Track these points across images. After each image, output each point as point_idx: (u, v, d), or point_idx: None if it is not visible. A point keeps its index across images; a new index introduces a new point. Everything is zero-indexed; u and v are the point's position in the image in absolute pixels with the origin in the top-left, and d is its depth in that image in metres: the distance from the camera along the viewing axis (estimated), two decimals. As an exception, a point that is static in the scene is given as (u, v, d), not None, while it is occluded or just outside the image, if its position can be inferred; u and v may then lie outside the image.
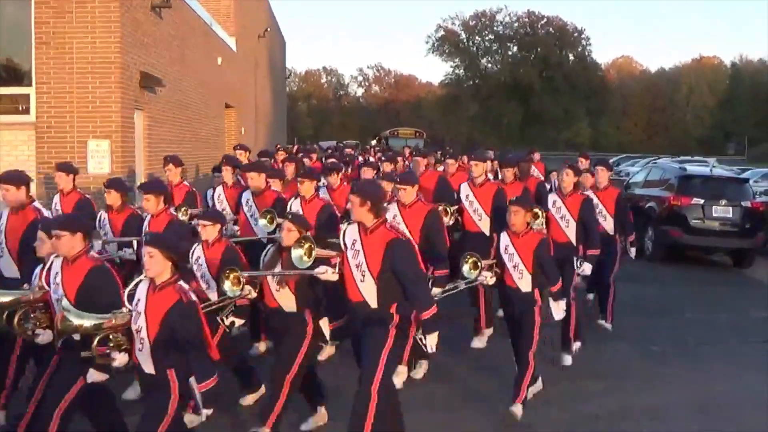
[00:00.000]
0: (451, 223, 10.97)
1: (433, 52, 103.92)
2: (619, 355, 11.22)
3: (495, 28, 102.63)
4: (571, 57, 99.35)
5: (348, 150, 15.69)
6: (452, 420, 8.46)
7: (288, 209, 9.98)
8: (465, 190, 11.21)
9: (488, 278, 8.52)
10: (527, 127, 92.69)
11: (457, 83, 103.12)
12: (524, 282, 8.65)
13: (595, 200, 11.45)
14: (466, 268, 8.29)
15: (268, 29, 43.02)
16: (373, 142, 40.52)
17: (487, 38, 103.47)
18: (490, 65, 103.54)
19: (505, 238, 8.80)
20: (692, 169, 21.17)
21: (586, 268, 10.65)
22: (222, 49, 27.73)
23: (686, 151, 67.85)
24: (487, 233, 10.78)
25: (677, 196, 18.68)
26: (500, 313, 10.75)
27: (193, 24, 22.70)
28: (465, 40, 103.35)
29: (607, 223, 11.85)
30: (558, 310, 8.90)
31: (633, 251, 12.70)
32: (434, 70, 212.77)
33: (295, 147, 25.23)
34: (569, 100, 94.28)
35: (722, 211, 18.43)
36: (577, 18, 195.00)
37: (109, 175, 13.73)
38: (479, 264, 8.33)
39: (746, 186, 19.56)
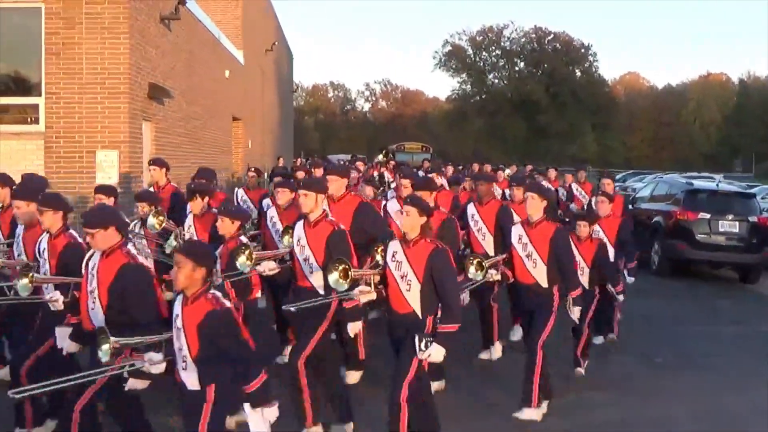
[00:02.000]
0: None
1: (440, 68, 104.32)
2: (624, 367, 11.22)
3: (502, 44, 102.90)
4: (578, 73, 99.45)
5: (359, 164, 15.69)
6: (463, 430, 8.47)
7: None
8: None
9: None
10: (533, 142, 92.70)
11: (463, 98, 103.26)
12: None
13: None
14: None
15: (276, 43, 43.20)
16: (380, 157, 40.36)
17: (494, 54, 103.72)
18: (496, 81, 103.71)
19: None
20: (699, 183, 21.17)
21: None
22: (230, 62, 27.86)
23: (693, 167, 67.84)
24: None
25: (684, 211, 18.70)
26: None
27: (202, 36, 22.82)
28: (472, 56, 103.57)
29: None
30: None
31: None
32: (441, 85, 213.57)
33: (299, 160, 25.29)
34: (575, 115, 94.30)
35: (729, 225, 18.46)
36: (584, 34, 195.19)
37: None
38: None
39: (753, 201, 19.58)
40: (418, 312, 6.98)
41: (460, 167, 24.18)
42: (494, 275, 8.63)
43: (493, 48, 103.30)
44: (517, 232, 8.79)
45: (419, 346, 6.72)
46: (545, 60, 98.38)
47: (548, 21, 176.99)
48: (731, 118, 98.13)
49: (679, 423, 9.14)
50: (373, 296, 7.21)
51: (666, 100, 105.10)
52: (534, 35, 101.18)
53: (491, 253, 10.46)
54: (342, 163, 26.05)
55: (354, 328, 7.64)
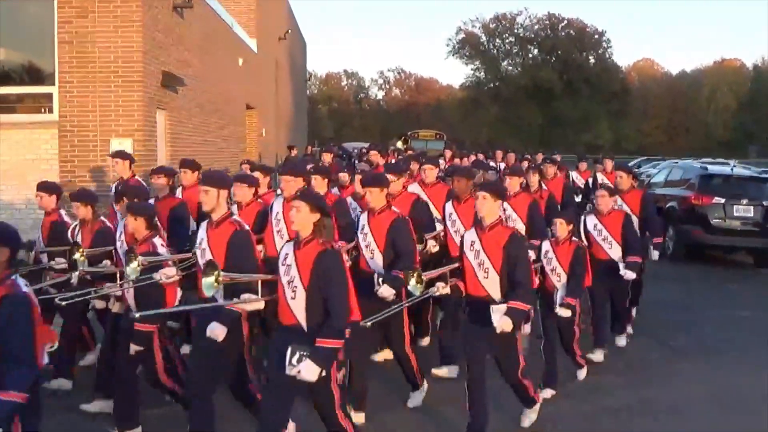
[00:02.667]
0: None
1: (453, 55, 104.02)
2: (639, 350, 11.24)
3: (515, 31, 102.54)
4: (592, 59, 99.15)
5: (372, 155, 15.30)
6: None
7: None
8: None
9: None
10: (547, 130, 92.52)
11: (477, 86, 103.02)
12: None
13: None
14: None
15: (289, 31, 43.20)
16: (399, 144, 39.88)
17: (507, 41, 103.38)
18: (510, 68, 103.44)
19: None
20: (713, 168, 21.10)
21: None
22: (243, 50, 27.88)
23: (708, 154, 67.52)
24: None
25: (698, 196, 18.65)
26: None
27: (215, 25, 22.83)
28: (485, 43, 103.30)
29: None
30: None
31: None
32: (455, 73, 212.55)
33: (309, 148, 25.14)
34: (590, 102, 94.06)
35: (743, 210, 18.39)
36: (597, 20, 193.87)
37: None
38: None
39: (767, 185, 19.47)
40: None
41: (526, 156, 22.56)
42: (441, 288, 7.44)
43: (507, 35, 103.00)
44: (469, 237, 7.62)
45: (289, 360, 6.05)
46: (559, 47, 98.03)
47: (561, 7, 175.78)
48: (746, 104, 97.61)
49: (694, 406, 9.15)
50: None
51: (680, 87, 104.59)
52: (547, 22, 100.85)
53: None
54: (360, 151, 25.87)
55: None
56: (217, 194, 6.85)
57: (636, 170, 19.36)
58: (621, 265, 10.50)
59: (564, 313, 8.99)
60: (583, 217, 10.95)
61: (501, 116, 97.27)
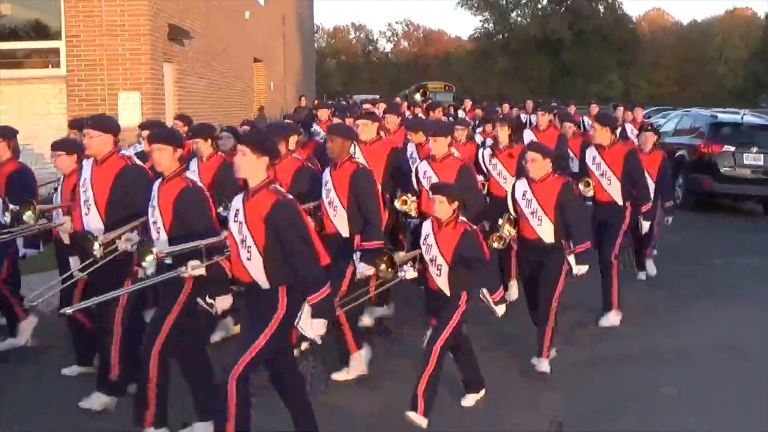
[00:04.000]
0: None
1: (462, 6, 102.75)
2: (647, 297, 11.30)
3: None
4: (602, 9, 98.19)
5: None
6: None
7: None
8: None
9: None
10: (557, 81, 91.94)
11: (486, 37, 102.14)
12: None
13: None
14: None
15: (296, -16, 42.92)
16: (417, 96, 38.80)
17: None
18: (519, 19, 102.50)
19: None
20: (723, 116, 20.97)
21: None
22: (249, 3, 27.73)
23: (719, 104, 67.10)
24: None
25: (708, 144, 18.58)
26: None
27: (221, -23, 22.71)
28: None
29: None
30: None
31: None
32: (463, 25, 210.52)
33: (315, 101, 24.82)
34: (600, 53, 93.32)
35: (753, 158, 18.32)
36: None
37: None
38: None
39: (778, 133, 19.37)
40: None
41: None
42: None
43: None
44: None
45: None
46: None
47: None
48: (757, 54, 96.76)
49: (702, 353, 9.19)
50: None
51: (691, 37, 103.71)
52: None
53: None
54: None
55: None
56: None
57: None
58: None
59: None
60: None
61: (510, 67, 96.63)
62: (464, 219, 7.14)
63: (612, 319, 10.01)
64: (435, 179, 8.39)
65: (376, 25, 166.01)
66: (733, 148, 18.31)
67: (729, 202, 19.54)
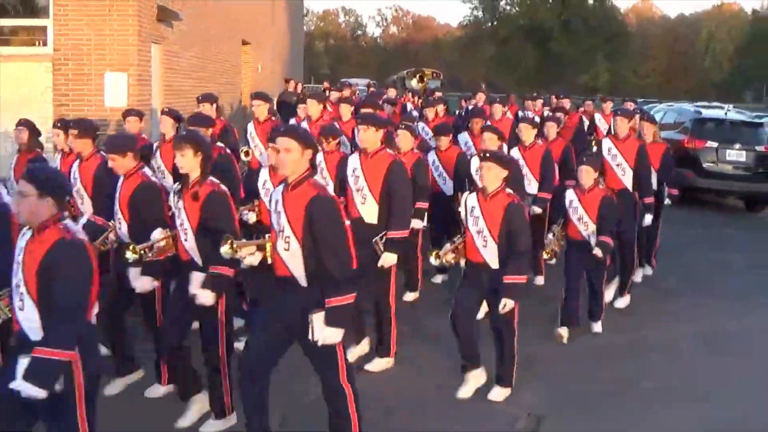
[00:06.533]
0: None
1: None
2: (630, 292, 11.35)
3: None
4: (590, 0, 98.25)
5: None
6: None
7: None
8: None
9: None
10: (545, 70, 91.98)
11: (475, 25, 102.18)
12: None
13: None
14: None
15: (285, -34, 42.71)
16: (414, 82, 37.15)
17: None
18: (508, 7, 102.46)
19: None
20: (707, 112, 21.08)
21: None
22: (239, -15, 27.61)
23: (705, 97, 67.30)
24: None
25: (691, 139, 18.67)
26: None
27: (210, -42, 22.60)
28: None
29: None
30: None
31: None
32: (452, 12, 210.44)
33: (298, 85, 24.68)
34: (587, 43, 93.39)
35: (736, 154, 18.44)
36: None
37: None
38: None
39: (760, 130, 19.48)
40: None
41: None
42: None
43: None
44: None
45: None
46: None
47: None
48: (743, 49, 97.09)
49: (683, 346, 9.31)
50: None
51: (678, 30, 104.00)
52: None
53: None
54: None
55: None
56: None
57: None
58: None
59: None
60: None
61: (498, 56, 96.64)
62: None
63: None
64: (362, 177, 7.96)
65: (366, 9, 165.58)
66: (716, 144, 18.41)
67: (712, 198, 19.65)
